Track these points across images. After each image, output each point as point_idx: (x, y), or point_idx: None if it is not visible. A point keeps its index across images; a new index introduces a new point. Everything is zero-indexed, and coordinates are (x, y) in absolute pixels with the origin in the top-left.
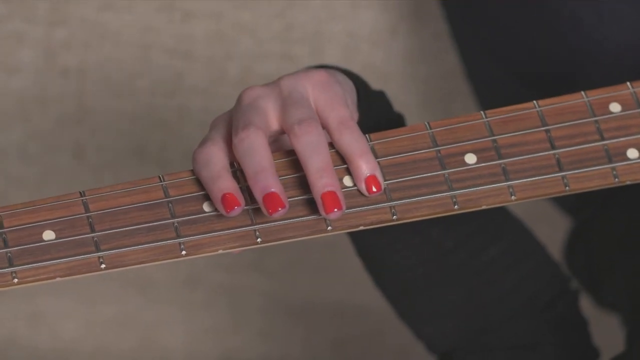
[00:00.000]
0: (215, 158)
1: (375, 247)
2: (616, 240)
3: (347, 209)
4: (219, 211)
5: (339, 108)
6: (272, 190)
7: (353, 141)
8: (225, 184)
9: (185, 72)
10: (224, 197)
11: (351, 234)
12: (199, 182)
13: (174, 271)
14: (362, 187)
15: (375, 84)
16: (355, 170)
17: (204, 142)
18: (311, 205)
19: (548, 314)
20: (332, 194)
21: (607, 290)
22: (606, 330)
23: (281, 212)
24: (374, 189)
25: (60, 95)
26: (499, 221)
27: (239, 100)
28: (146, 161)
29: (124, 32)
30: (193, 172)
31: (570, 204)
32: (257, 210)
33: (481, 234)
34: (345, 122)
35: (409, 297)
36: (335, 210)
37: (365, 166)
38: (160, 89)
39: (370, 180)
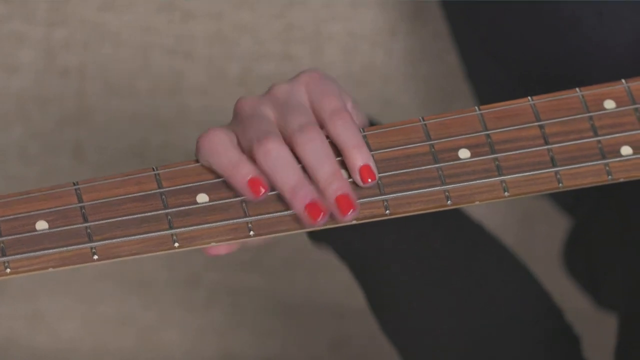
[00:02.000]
0: (229, 143)
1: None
2: (615, 239)
3: None
4: (212, 203)
5: (331, 99)
6: (314, 199)
7: (346, 132)
8: (249, 167)
9: (185, 72)
10: (251, 182)
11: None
12: (193, 174)
13: (173, 271)
14: (357, 177)
15: (375, 84)
16: (349, 161)
17: (207, 131)
18: None
19: (538, 331)
20: (345, 196)
21: (606, 290)
22: (606, 330)
23: (324, 218)
24: (369, 180)
25: (60, 95)
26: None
27: (238, 111)
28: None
29: (124, 32)
30: (196, 161)
31: (568, 202)
32: (250, 203)
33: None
34: (337, 113)
35: (397, 313)
36: (351, 211)
37: (359, 157)
38: (160, 89)
39: (364, 170)
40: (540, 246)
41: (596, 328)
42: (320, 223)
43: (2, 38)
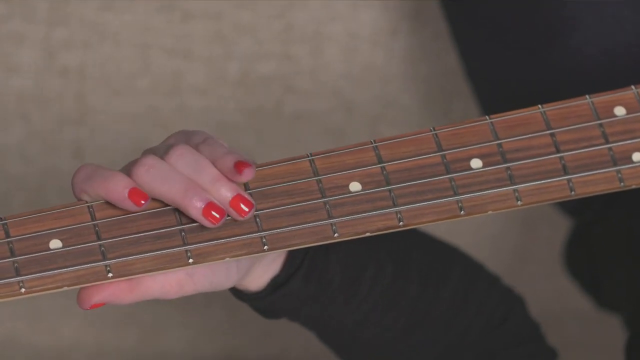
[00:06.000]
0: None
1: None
2: (617, 241)
3: (353, 214)
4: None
5: (197, 136)
6: (209, 200)
7: (211, 149)
8: (126, 180)
9: (185, 72)
10: (131, 193)
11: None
12: None
13: None
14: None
15: (375, 84)
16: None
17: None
18: (317, 212)
19: (503, 329)
20: (238, 197)
21: (607, 291)
22: (606, 331)
23: (223, 218)
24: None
25: (60, 95)
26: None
27: None
28: None
29: (123, 32)
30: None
31: (571, 205)
32: (265, 217)
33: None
34: (204, 140)
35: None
36: (248, 210)
37: (229, 159)
38: (160, 89)
39: (239, 167)
40: (541, 248)
41: (597, 329)
42: (221, 224)
43: (2, 38)
